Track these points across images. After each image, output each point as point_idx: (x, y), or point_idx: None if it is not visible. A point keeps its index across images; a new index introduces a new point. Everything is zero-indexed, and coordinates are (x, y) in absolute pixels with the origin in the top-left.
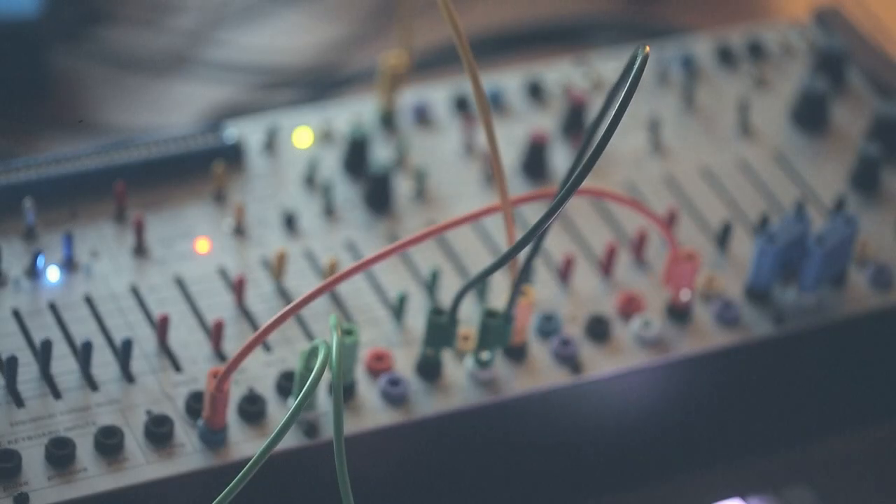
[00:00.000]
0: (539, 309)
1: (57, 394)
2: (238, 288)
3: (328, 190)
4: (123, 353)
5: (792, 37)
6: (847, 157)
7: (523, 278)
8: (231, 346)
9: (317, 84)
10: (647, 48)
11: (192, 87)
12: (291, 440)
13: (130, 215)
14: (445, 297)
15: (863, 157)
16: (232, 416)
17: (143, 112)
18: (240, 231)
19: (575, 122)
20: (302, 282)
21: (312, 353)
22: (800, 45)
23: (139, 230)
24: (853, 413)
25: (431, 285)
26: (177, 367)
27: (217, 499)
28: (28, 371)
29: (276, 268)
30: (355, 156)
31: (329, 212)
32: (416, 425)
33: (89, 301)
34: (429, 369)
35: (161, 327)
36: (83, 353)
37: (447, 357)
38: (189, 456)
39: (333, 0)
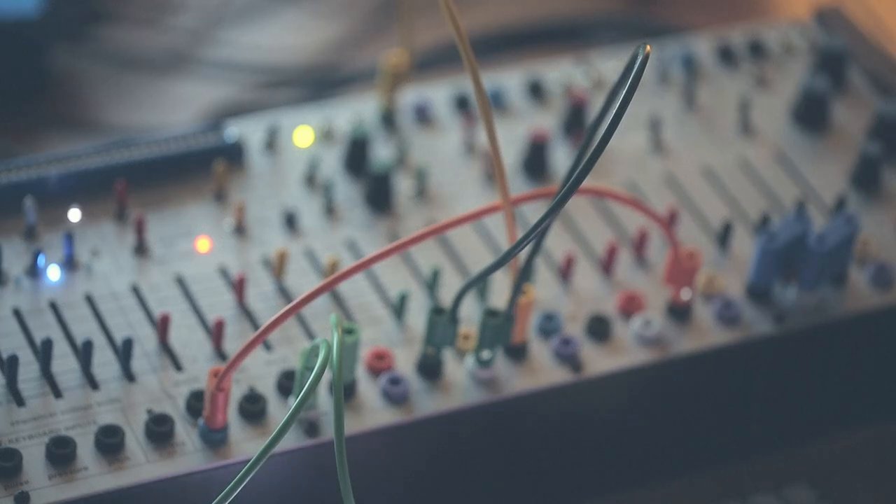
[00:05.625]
0: (540, 308)
1: (58, 393)
2: (239, 287)
3: (329, 189)
4: (124, 352)
5: (793, 36)
6: (848, 156)
7: (524, 277)
8: (232, 345)
9: (317, 83)
10: (648, 47)
11: (193, 87)
12: (292, 439)
13: (131, 214)
14: (446, 296)
15: (863, 156)
16: (232, 415)
17: (144, 111)
18: (240, 230)
19: (576, 122)
20: (302, 281)
21: (313, 352)
22: (801, 45)
23: (140, 229)
24: (853, 413)
25: (432, 284)
26: (177, 366)
27: (217, 498)
28: (29, 370)
29: (277, 267)
30: (356, 155)
31: (330, 211)
32: (417, 424)
33: (90, 300)
34: (429, 368)
35: (162, 326)
36: (84, 352)
37: (448, 356)
38: (190, 455)
39: None
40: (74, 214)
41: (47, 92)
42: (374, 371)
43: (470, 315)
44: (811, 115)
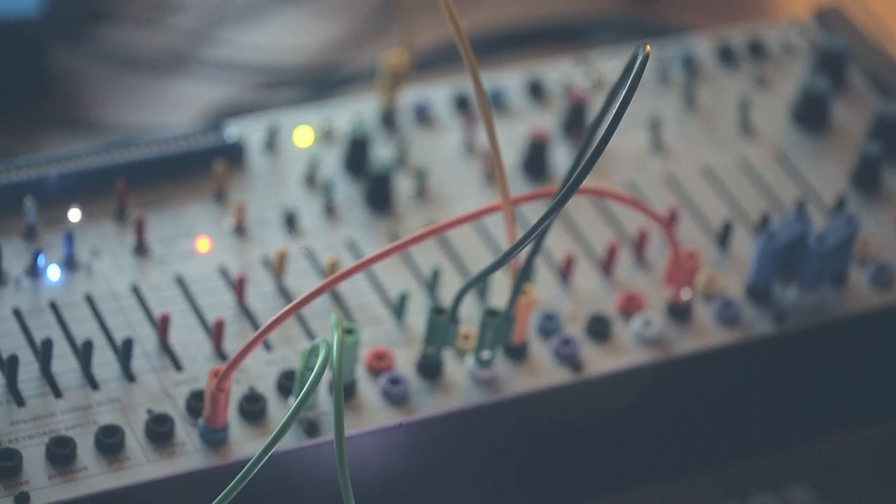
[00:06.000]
0: (540, 308)
1: (58, 393)
2: (239, 287)
3: (329, 189)
4: (124, 352)
5: (793, 36)
6: (848, 156)
7: (524, 277)
8: (232, 345)
9: (317, 83)
10: (648, 47)
11: (193, 86)
12: (292, 439)
13: (131, 214)
14: (446, 296)
15: (863, 156)
16: (233, 415)
17: (144, 111)
18: (240, 230)
19: (576, 122)
20: (302, 281)
21: (313, 351)
22: (801, 45)
23: (140, 229)
24: (853, 412)
25: (432, 284)
26: (177, 366)
27: (217, 498)
28: (29, 370)
29: (277, 267)
30: (356, 155)
31: (330, 211)
32: (417, 425)
33: (90, 300)
34: (429, 368)
35: (162, 326)
36: (84, 352)
37: (448, 356)
38: (190, 455)
39: None
40: (74, 214)
41: (47, 92)
42: (374, 371)
43: (470, 315)
44: (811, 115)
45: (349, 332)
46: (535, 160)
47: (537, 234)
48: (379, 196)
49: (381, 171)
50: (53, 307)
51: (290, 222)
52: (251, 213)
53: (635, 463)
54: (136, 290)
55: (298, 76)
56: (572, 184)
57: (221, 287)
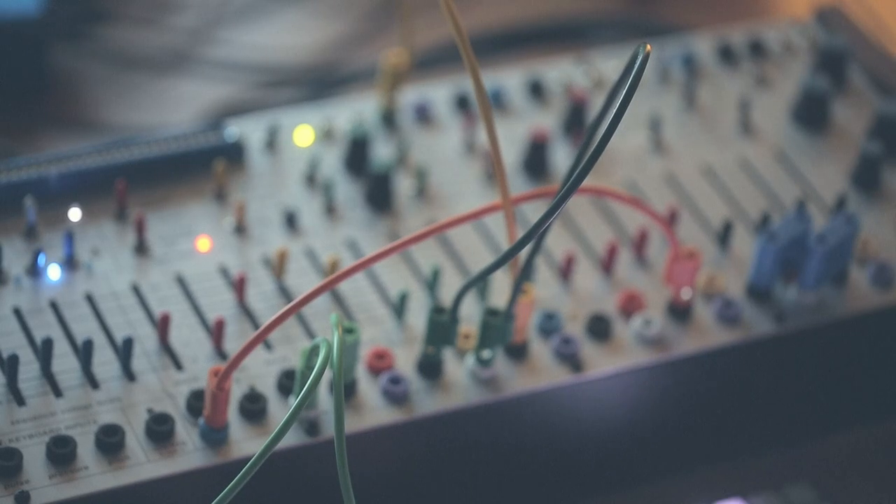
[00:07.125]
0: (540, 307)
1: (58, 392)
2: (239, 286)
3: (329, 188)
4: (124, 351)
5: (793, 35)
6: (848, 155)
7: (524, 277)
8: (232, 345)
9: (318, 82)
10: (649, 47)
11: (193, 86)
12: (292, 439)
13: (131, 214)
14: (446, 295)
15: (864, 155)
16: (233, 414)
17: (144, 110)
18: (241, 229)
19: (576, 121)
20: (303, 280)
21: (313, 351)
22: (801, 44)
23: (140, 228)
24: (853, 412)
25: (432, 284)
26: (178, 366)
27: (218, 497)
28: (29, 369)
29: (277, 266)
30: (356, 154)
31: (330, 210)
32: (417, 424)
33: (90, 299)
34: (430, 368)
35: (162, 326)
36: (84, 352)
37: (448, 355)
38: (190, 454)
39: None
40: (75, 214)
41: (47, 92)
42: (375, 370)
43: (470, 315)
44: (811, 114)
45: (349, 331)
46: (535, 160)
47: (537, 234)
48: (379, 196)
49: (381, 171)
50: (54, 306)
51: (291, 222)
52: (251, 213)
53: (635, 463)
54: (136, 290)
55: (298, 76)
56: (572, 184)
57: (222, 286)
